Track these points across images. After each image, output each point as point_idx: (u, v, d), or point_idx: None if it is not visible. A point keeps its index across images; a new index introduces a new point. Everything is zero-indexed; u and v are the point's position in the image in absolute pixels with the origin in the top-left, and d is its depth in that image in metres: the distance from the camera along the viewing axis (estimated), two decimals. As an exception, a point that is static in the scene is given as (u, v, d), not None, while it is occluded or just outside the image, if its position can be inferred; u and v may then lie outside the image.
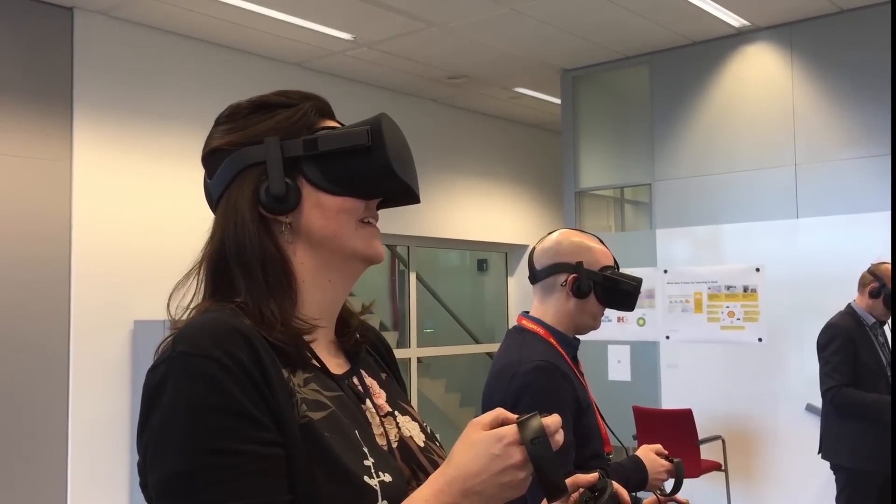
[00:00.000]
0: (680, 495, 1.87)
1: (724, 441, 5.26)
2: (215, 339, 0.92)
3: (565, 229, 2.10)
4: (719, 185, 5.66)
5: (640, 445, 1.92)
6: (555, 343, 1.92)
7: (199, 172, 1.13)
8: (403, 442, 1.07)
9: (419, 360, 7.19)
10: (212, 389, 0.89)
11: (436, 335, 7.75)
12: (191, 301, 1.05)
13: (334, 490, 0.92)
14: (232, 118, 1.10)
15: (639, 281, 2.00)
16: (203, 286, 1.05)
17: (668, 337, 5.69)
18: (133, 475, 4.85)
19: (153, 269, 4.95)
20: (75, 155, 4.79)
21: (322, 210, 1.05)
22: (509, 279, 8.06)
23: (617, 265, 2.02)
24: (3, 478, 4.38)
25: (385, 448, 1.04)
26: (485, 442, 0.89)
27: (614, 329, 5.81)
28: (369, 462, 0.96)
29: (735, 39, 5.64)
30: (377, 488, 0.94)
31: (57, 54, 4.76)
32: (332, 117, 1.12)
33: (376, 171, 1.04)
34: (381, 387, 1.14)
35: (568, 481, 1.13)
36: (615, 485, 1.10)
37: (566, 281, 1.96)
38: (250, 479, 0.88)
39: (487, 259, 8.28)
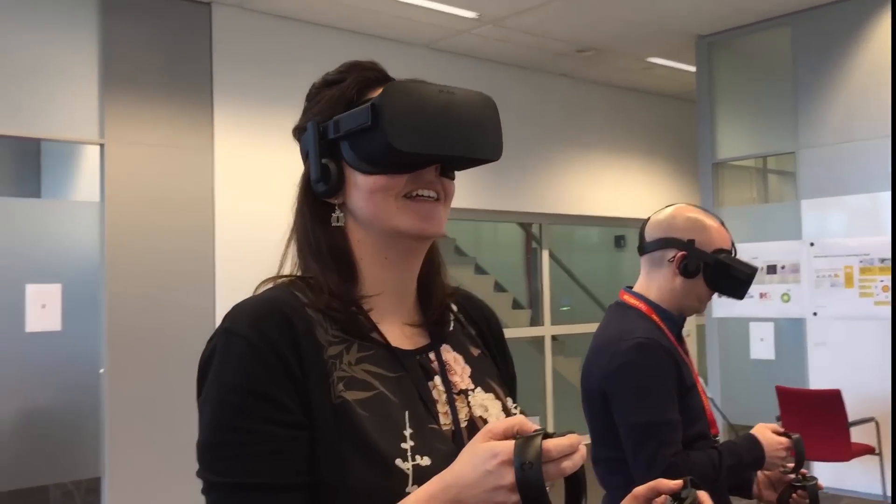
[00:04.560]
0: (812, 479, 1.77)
1: (877, 423, 4.94)
2: (251, 318, 0.96)
3: (683, 204, 2.00)
4: (870, 150, 5.28)
5: (784, 427, 1.82)
6: (657, 319, 1.85)
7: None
8: (473, 422, 1.04)
9: (553, 337, 7.14)
10: (237, 368, 0.93)
11: (572, 312, 7.67)
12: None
13: (362, 471, 0.91)
14: (308, 97, 1.12)
15: (753, 270, 1.88)
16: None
17: (815, 313, 5.40)
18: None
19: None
20: (216, 143, 5.04)
21: (359, 190, 1.03)
22: (647, 255, 7.84)
23: (735, 250, 1.92)
24: (158, 464, 4.68)
25: (449, 428, 1.01)
26: (482, 455, 0.82)
27: (756, 305, 5.57)
28: (407, 445, 0.94)
29: (887, -7, 5.23)
30: (408, 472, 0.92)
31: (197, 47, 5.01)
32: (387, 82, 1.05)
33: (383, 149, 0.98)
34: (466, 362, 1.10)
35: (649, 485, 1.08)
36: (700, 493, 1.05)
37: (674, 257, 1.87)
38: (261, 459, 0.91)
39: (625, 235, 8.10)
